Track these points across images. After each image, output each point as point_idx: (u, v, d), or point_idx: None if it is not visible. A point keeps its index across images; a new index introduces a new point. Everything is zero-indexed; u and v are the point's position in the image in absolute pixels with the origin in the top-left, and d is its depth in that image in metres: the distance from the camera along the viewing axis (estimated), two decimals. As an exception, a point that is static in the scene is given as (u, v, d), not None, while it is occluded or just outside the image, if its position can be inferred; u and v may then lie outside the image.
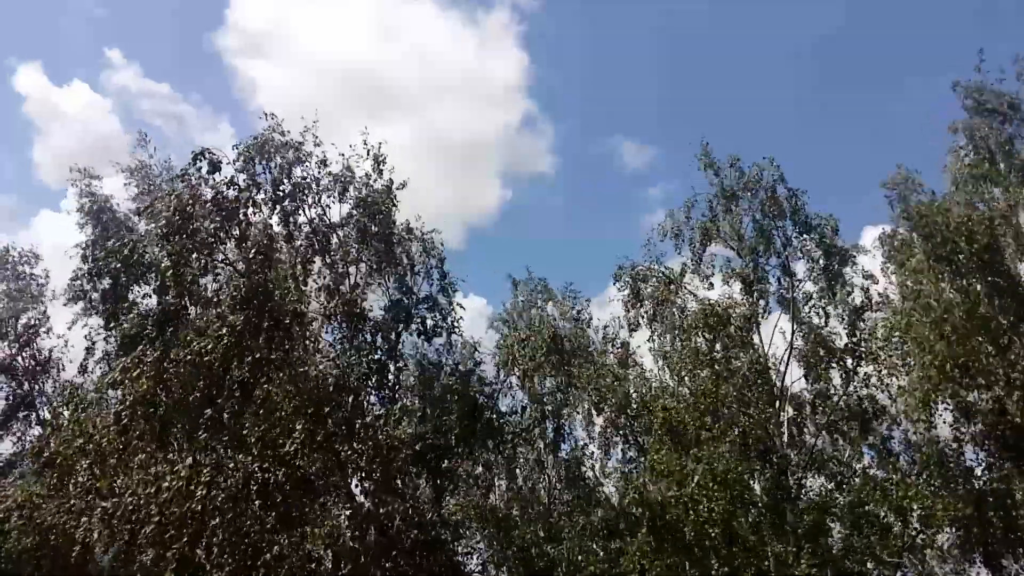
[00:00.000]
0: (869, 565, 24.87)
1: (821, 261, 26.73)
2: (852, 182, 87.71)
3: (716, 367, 26.38)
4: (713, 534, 22.46)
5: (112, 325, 18.99)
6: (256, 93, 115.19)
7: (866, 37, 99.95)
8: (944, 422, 24.35)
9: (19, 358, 29.49)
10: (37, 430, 28.69)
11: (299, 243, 20.53)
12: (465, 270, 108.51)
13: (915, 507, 23.30)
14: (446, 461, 20.70)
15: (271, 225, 19.07)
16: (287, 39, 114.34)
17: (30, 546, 18.19)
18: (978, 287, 22.53)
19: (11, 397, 29.15)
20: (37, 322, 29.83)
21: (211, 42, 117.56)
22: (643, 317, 28.49)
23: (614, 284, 28.73)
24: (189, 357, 15.80)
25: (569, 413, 28.88)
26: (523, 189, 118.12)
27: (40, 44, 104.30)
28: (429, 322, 21.77)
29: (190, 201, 16.95)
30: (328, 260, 20.98)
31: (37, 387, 29.59)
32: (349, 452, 17.58)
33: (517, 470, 26.77)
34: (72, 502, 17.65)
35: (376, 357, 19.66)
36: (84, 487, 17.71)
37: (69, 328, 28.29)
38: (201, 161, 18.07)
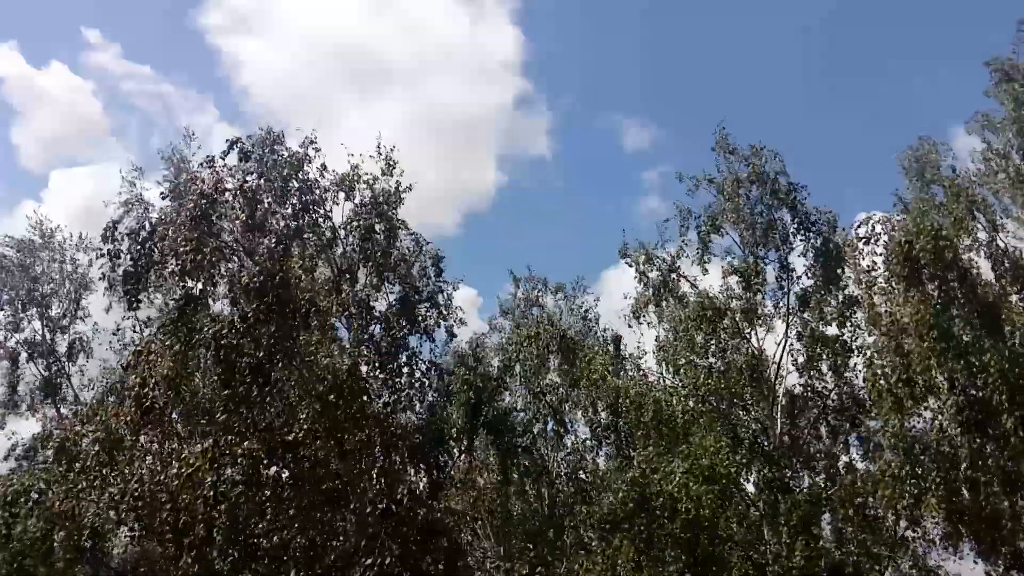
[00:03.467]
0: (860, 558, 25.75)
1: (816, 257, 27.53)
2: (850, 164, 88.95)
3: (711, 360, 27.28)
4: (690, 534, 23.24)
5: (135, 307, 19.68)
6: (242, 72, 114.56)
7: (874, 16, 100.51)
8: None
9: (52, 340, 30.66)
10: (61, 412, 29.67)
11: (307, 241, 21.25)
12: (460, 257, 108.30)
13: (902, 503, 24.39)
14: (445, 455, 21.38)
15: (288, 216, 19.86)
16: (273, 15, 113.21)
17: (40, 532, 18.82)
18: (934, 296, 23.33)
19: (45, 380, 30.24)
20: (74, 307, 31.04)
21: (193, 20, 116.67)
22: (650, 304, 29.17)
23: (622, 259, 29.48)
24: (205, 341, 16.54)
25: (571, 409, 29.60)
26: (520, 172, 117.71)
27: (15, 24, 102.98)
28: (429, 320, 22.47)
29: (215, 188, 17.78)
30: (332, 258, 21.69)
31: (66, 371, 30.75)
32: (356, 441, 18.32)
33: (525, 464, 27.44)
34: (80, 487, 18.32)
35: (383, 349, 20.33)
36: (93, 473, 18.38)
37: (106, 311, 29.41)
38: (233, 149, 19.11)
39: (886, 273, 24.31)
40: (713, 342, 27.70)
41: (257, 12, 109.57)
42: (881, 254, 24.85)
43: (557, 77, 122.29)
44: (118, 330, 25.80)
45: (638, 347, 30.56)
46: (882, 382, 23.60)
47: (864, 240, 25.43)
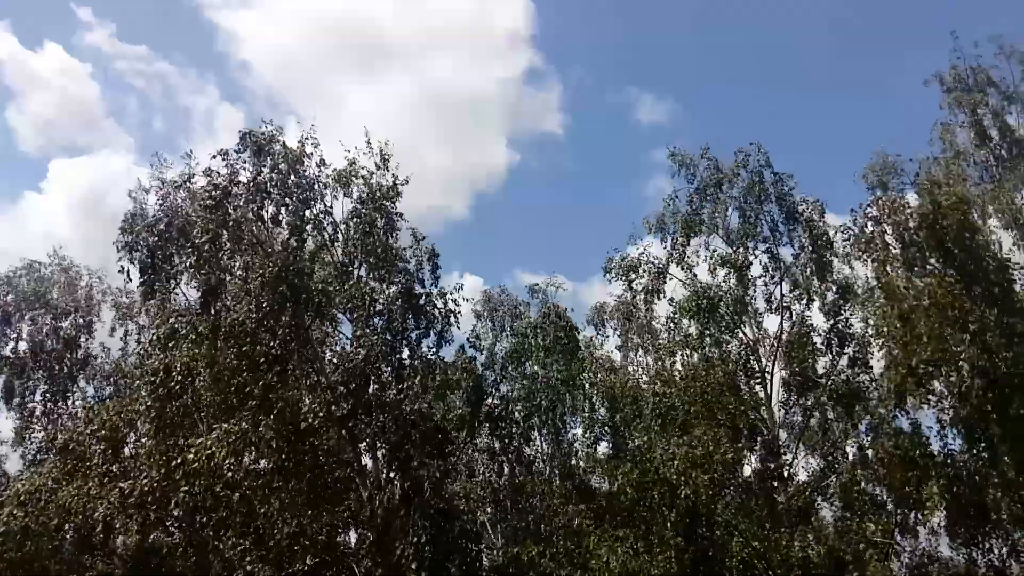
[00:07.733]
0: (861, 546, 26.63)
1: (808, 246, 28.68)
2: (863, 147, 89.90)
3: (706, 351, 28.28)
4: (690, 520, 24.06)
5: (150, 298, 20.42)
6: (240, 48, 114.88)
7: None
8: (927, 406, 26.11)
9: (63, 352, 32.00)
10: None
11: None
12: (469, 243, 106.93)
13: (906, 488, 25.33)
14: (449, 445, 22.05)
15: (296, 209, 20.76)
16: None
17: (52, 527, 19.46)
18: (948, 273, 24.04)
19: (50, 388, 31.73)
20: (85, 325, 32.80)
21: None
22: (635, 307, 30.22)
23: (604, 276, 30.51)
24: (224, 330, 17.38)
25: (572, 404, 30.50)
26: (530, 151, 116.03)
27: (6, 2, 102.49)
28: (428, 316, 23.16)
29: (229, 180, 18.72)
30: (332, 252, 22.46)
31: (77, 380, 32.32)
32: (366, 428, 19.15)
33: (525, 452, 28.18)
34: (88, 485, 19.04)
35: (387, 339, 21.07)
36: (100, 470, 19.13)
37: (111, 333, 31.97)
38: (248, 141, 20.06)
39: (900, 249, 24.80)
40: (707, 333, 28.67)
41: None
42: (895, 230, 25.35)
43: (567, 49, 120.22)
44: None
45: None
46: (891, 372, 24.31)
47: (874, 219, 26.08)
